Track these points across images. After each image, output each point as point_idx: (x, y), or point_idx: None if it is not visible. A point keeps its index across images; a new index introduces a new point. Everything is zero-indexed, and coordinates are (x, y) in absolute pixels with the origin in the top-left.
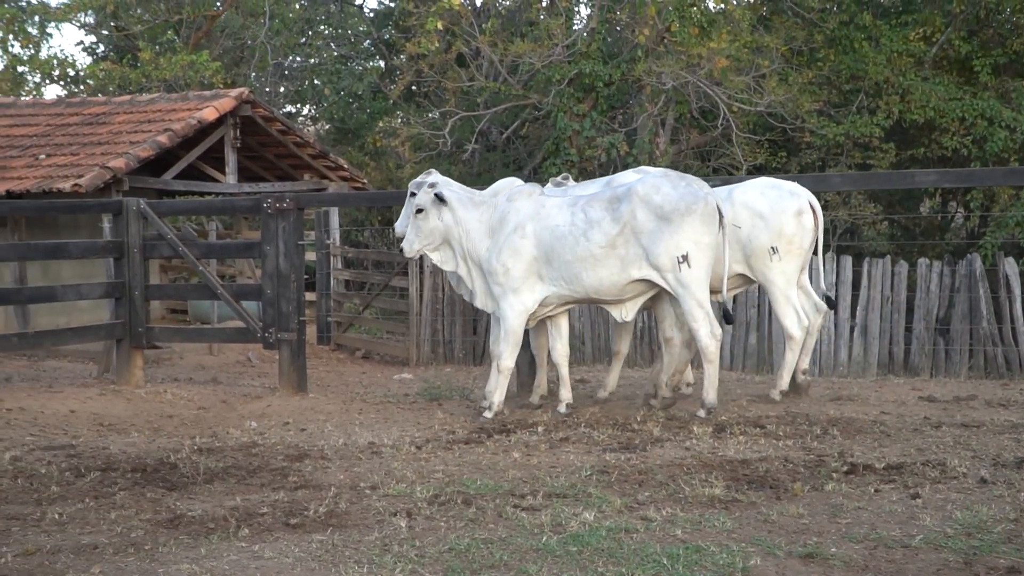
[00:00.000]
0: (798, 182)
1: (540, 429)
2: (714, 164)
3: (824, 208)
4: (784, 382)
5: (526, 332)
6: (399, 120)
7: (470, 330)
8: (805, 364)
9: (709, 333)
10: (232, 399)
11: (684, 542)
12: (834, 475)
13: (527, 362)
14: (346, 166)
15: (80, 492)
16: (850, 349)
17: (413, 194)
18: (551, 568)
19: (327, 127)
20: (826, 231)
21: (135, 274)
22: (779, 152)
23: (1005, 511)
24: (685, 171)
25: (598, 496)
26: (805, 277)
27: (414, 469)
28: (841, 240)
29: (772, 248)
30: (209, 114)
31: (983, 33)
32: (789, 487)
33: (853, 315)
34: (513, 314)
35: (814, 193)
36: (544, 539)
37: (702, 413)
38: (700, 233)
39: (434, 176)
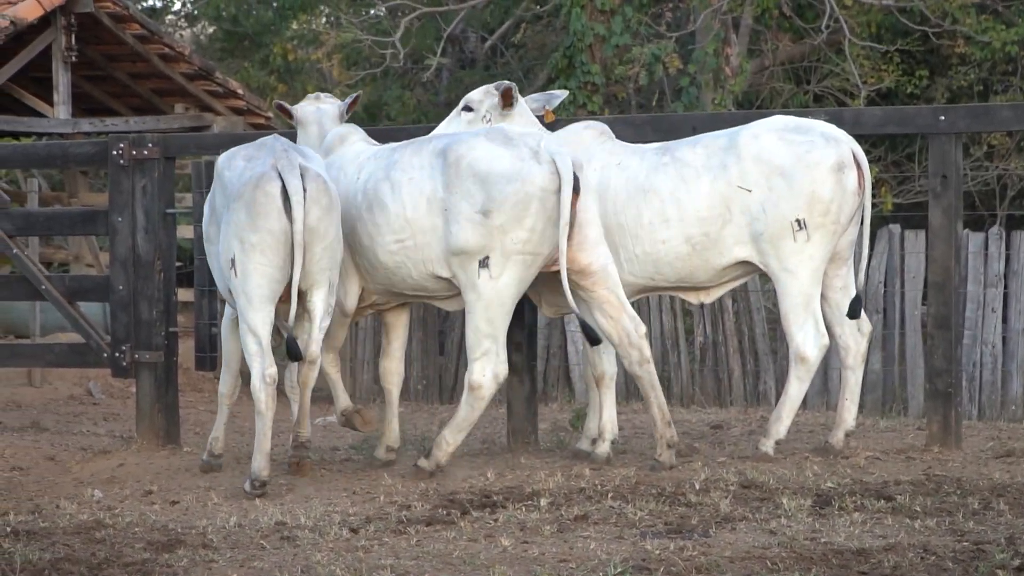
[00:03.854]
0: (945, 116)
1: (543, 502)
2: (816, 88)
3: (988, 156)
4: (783, 427)
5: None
6: (323, 20)
7: (435, 348)
8: (850, 419)
9: (260, 374)
10: (64, 455)
11: None
12: (1000, 573)
13: (523, 397)
14: (241, 92)
15: None
16: None
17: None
18: None
19: (211, 30)
20: (990, 194)
21: None
22: (917, 70)
23: None
24: (771, 98)
25: None
26: (847, 273)
27: (347, 564)
28: (1014, 207)
29: (797, 221)
30: (29, 11)
31: None
32: None
33: None
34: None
35: (971, 132)
36: None
37: (247, 487)
38: (245, 228)
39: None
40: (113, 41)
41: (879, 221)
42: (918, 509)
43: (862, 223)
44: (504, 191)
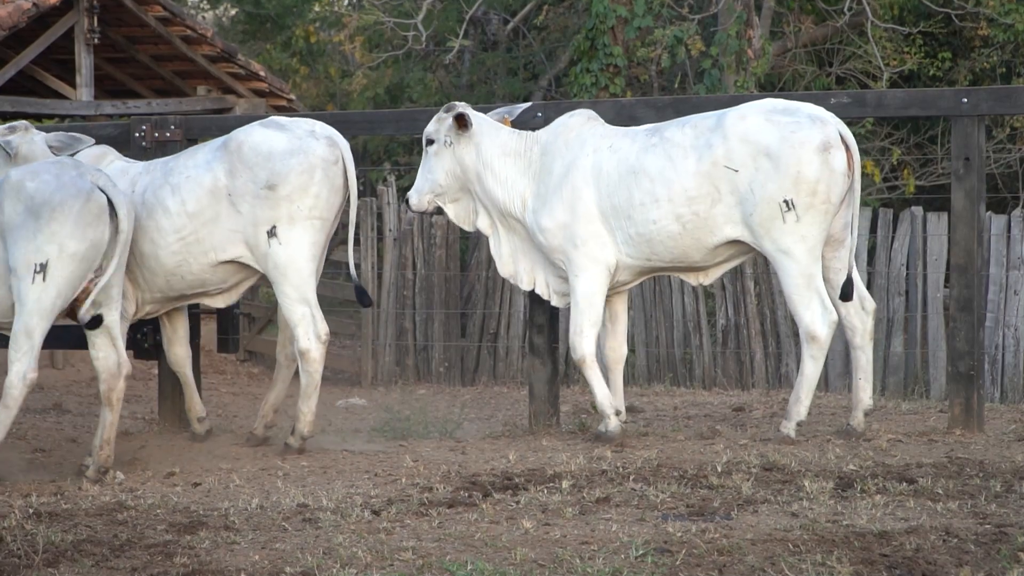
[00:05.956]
0: (968, 98)
1: (565, 484)
2: (838, 71)
3: (1011, 139)
4: (803, 408)
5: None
6: (345, 2)
7: (456, 330)
8: (867, 398)
9: (21, 374)
10: (86, 436)
11: None
12: (1022, 556)
13: (545, 379)
14: (263, 74)
15: None
16: None
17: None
18: None
19: (234, 13)
20: (1013, 176)
21: None
22: (939, 52)
23: None
24: (793, 81)
25: None
26: (846, 255)
27: (369, 546)
28: None
29: (785, 202)
30: None
31: None
32: (953, 574)
33: None
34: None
35: (994, 114)
36: None
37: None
38: (68, 236)
39: None
40: (135, 23)
41: (901, 203)
42: (940, 492)
43: (854, 204)
44: (288, 163)
